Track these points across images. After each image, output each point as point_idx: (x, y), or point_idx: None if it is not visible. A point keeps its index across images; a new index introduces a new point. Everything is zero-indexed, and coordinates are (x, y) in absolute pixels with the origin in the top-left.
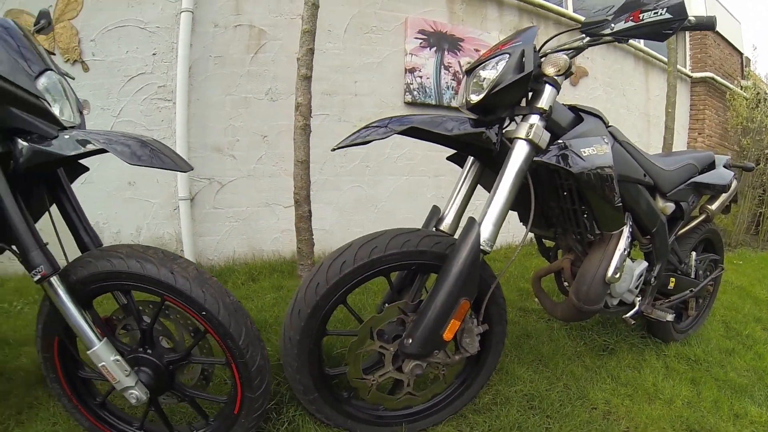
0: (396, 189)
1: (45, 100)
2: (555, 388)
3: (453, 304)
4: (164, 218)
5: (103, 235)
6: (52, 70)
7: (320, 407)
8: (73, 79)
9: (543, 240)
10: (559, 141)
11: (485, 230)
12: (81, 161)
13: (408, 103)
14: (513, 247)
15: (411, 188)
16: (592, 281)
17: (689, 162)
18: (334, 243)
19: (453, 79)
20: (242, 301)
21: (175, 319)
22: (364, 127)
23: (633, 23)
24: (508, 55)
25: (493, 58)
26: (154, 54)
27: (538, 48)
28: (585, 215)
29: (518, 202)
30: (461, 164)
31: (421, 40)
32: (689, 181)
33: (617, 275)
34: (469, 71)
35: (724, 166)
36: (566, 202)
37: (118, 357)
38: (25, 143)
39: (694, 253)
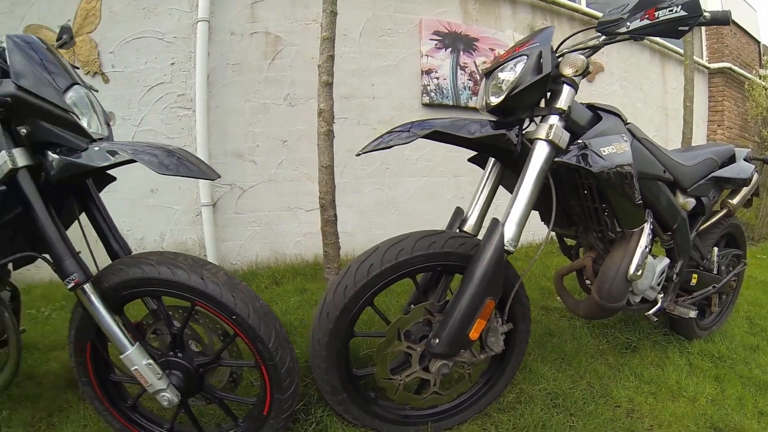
0: (416, 190)
1: (74, 113)
2: (578, 386)
3: (479, 304)
4: (187, 224)
5: (128, 242)
6: (78, 84)
7: (348, 407)
8: (97, 91)
9: (564, 238)
10: (579, 141)
11: (509, 231)
12: (109, 171)
13: (425, 105)
14: (533, 245)
15: (431, 189)
16: (614, 279)
17: (709, 156)
18: (356, 245)
19: (469, 80)
20: None
21: (204, 323)
22: (386, 133)
23: (648, 21)
24: (526, 57)
25: (511, 59)
26: (172, 63)
27: (555, 48)
28: (606, 213)
29: (539, 201)
30: (482, 165)
31: (436, 42)
32: (709, 176)
33: (639, 272)
34: (488, 73)
35: (745, 159)
36: (587, 201)
37: (150, 361)
38: (55, 156)
39: (716, 249)
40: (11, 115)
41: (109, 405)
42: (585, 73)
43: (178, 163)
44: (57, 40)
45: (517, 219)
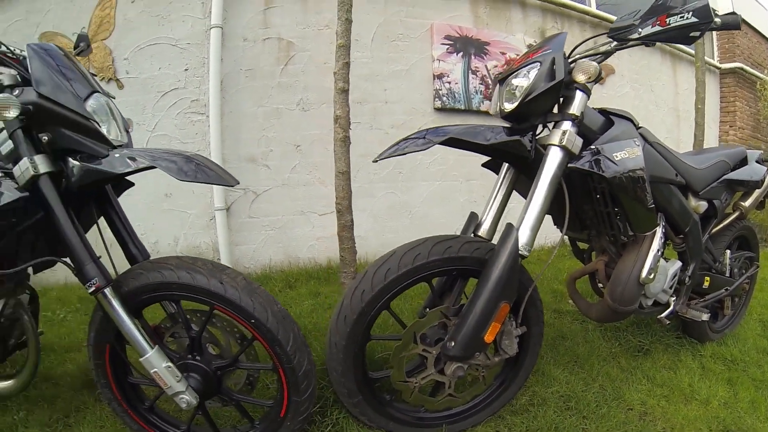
0: (429, 194)
1: (95, 121)
2: (591, 389)
3: (494, 308)
4: (201, 228)
5: None
6: (98, 91)
7: (363, 410)
8: (114, 98)
9: (577, 242)
10: (592, 147)
11: (523, 235)
12: (127, 177)
13: (437, 109)
14: (545, 248)
15: (443, 193)
16: (627, 282)
17: (721, 159)
18: (369, 249)
19: (481, 84)
20: None
21: (221, 326)
22: (403, 139)
23: (660, 27)
24: (539, 64)
25: (525, 66)
26: (186, 69)
27: (567, 54)
28: (618, 217)
29: (552, 205)
30: (496, 171)
31: (447, 46)
32: (721, 179)
33: (651, 276)
34: (502, 80)
35: (757, 161)
36: (600, 205)
37: (170, 363)
38: (76, 162)
39: (728, 251)
40: (33, 123)
41: (127, 406)
42: (597, 79)
43: (197, 169)
44: (74, 48)
45: (531, 224)
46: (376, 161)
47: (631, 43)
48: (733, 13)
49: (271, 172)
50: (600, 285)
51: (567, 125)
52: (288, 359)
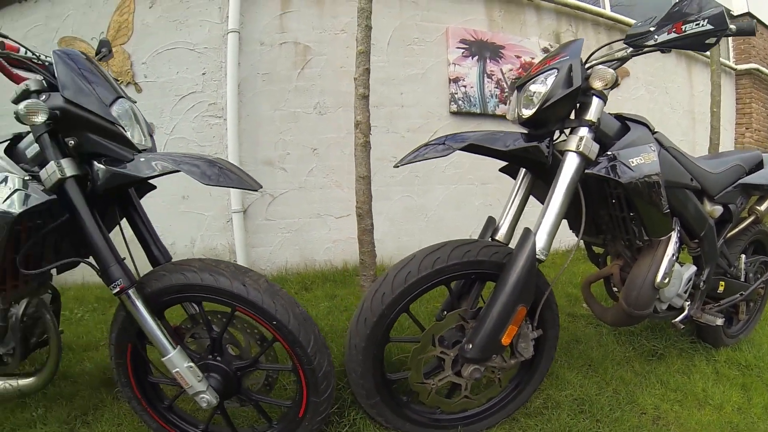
0: (445, 198)
1: (120, 125)
2: (604, 392)
3: (511, 311)
4: (217, 230)
5: None
6: (123, 96)
7: (381, 411)
8: (135, 102)
9: (592, 246)
10: (608, 152)
11: (540, 240)
12: (150, 180)
13: (453, 113)
14: (559, 252)
15: (459, 197)
16: (642, 286)
17: (736, 163)
18: (385, 252)
19: (496, 87)
20: None
21: (241, 328)
22: (423, 145)
23: (676, 34)
24: (556, 70)
25: (542, 73)
26: (203, 74)
27: (584, 60)
28: (633, 222)
29: (568, 210)
30: (513, 176)
31: (462, 50)
32: (737, 183)
33: (666, 280)
34: (519, 86)
35: None
36: (615, 210)
37: (191, 363)
38: (102, 166)
39: (743, 256)
40: (60, 127)
41: (146, 405)
42: (614, 85)
43: (220, 173)
44: (96, 54)
45: (548, 228)
46: (397, 166)
47: (646, 49)
48: (749, 15)
49: (288, 175)
50: (615, 289)
51: (584, 131)
52: (308, 360)
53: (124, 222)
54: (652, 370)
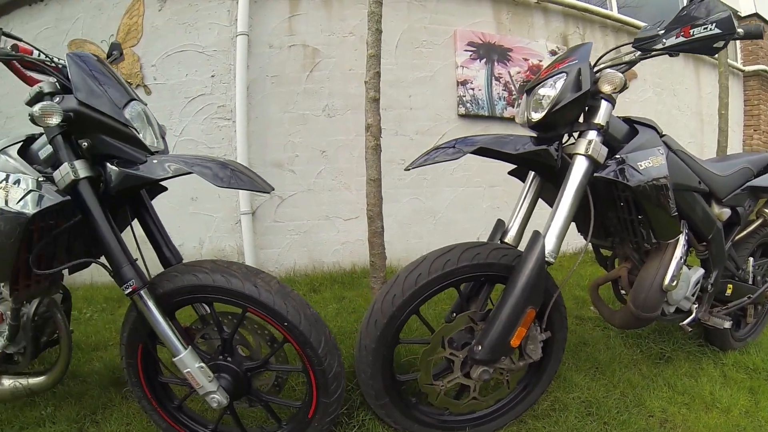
0: (453, 200)
1: (133, 128)
2: (612, 395)
3: (520, 313)
4: (226, 231)
5: None
6: (135, 99)
7: (390, 412)
8: (146, 105)
9: (600, 249)
10: (617, 156)
11: (549, 243)
12: (161, 182)
13: (461, 116)
14: (567, 255)
15: (467, 199)
16: (650, 289)
17: (744, 165)
18: (394, 254)
19: (504, 90)
20: None
21: (251, 329)
22: (433, 149)
23: (684, 38)
24: (565, 74)
25: (551, 77)
26: (212, 76)
27: (592, 64)
28: (641, 225)
29: (576, 213)
30: (522, 179)
31: (470, 52)
32: (745, 185)
33: (674, 283)
34: (529, 90)
35: None
36: (623, 212)
37: (202, 364)
38: (115, 168)
39: (751, 259)
40: (73, 129)
41: (156, 405)
42: (622, 89)
43: (232, 175)
44: (107, 56)
45: (557, 231)
46: (408, 169)
47: (655, 53)
48: (756, 15)
49: (297, 177)
50: (623, 292)
51: (592, 135)
52: (319, 361)
53: (135, 223)
54: (660, 372)
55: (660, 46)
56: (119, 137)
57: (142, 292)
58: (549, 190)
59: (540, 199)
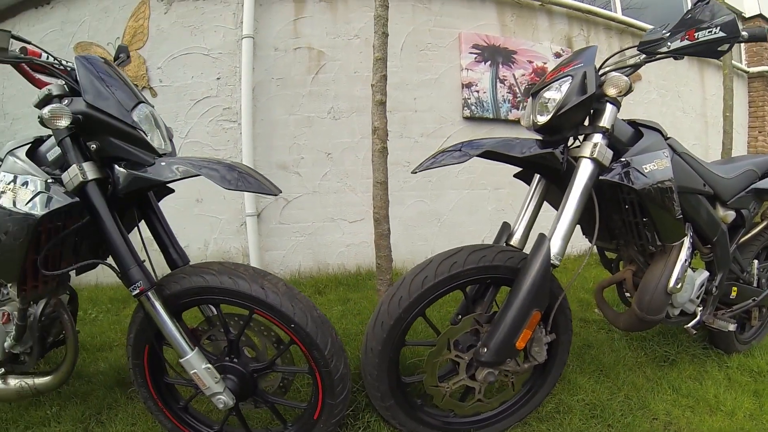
0: (458, 202)
1: (141, 130)
2: (616, 398)
3: (526, 315)
4: (231, 233)
5: None
6: (143, 102)
7: (395, 413)
8: (153, 107)
9: (605, 251)
10: (622, 159)
11: (555, 245)
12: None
13: (466, 118)
14: (572, 257)
15: (472, 201)
16: (654, 292)
17: (749, 168)
18: (399, 256)
19: (509, 92)
20: None
21: (257, 330)
22: (440, 152)
23: (688, 42)
24: (571, 78)
25: (557, 80)
26: (218, 78)
27: (597, 67)
28: (646, 227)
29: (582, 215)
30: (527, 181)
31: (475, 55)
32: (750, 188)
33: (679, 285)
34: (534, 93)
35: None
36: (628, 215)
37: (209, 365)
38: (123, 170)
39: (756, 261)
40: (82, 131)
41: (162, 406)
42: (628, 92)
43: (239, 177)
44: (114, 59)
45: (562, 234)
46: (415, 172)
47: (659, 56)
48: (761, 16)
49: (302, 179)
50: (627, 294)
51: (598, 138)
52: (325, 363)
53: (142, 224)
54: (664, 375)
55: (665, 49)
56: (127, 139)
57: (149, 293)
58: (554, 192)
59: (545, 202)
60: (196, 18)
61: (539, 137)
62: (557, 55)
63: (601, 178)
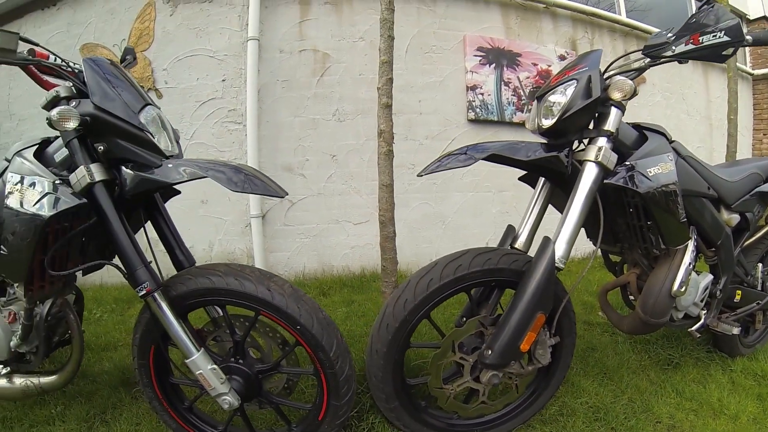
0: (462, 205)
1: (148, 132)
2: (620, 400)
3: (530, 318)
4: (236, 234)
5: None
6: (150, 104)
7: (399, 415)
8: (159, 109)
9: (609, 254)
10: (627, 162)
11: (559, 248)
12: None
13: (471, 121)
14: (575, 260)
15: (477, 204)
16: (658, 295)
17: (753, 171)
18: (403, 258)
19: (513, 95)
20: None
21: (263, 331)
22: (445, 155)
23: (693, 46)
24: (575, 81)
25: (562, 84)
26: (223, 80)
27: (602, 71)
28: (650, 230)
29: (586, 219)
30: (532, 184)
31: (480, 57)
32: (754, 191)
33: (683, 289)
34: (539, 97)
35: None
36: (632, 218)
37: (215, 366)
38: (130, 171)
39: (760, 265)
40: (89, 133)
41: (167, 406)
42: (632, 96)
43: (246, 179)
44: (121, 61)
45: (567, 237)
46: (420, 175)
47: (664, 60)
48: (765, 18)
49: (307, 181)
50: (631, 297)
51: (602, 141)
52: (330, 364)
53: (148, 225)
54: (668, 378)
55: (669, 53)
56: (134, 141)
57: (156, 294)
58: (559, 196)
59: (550, 205)
60: (202, 20)
61: (544, 140)
62: (561, 58)
63: (605, 181)
